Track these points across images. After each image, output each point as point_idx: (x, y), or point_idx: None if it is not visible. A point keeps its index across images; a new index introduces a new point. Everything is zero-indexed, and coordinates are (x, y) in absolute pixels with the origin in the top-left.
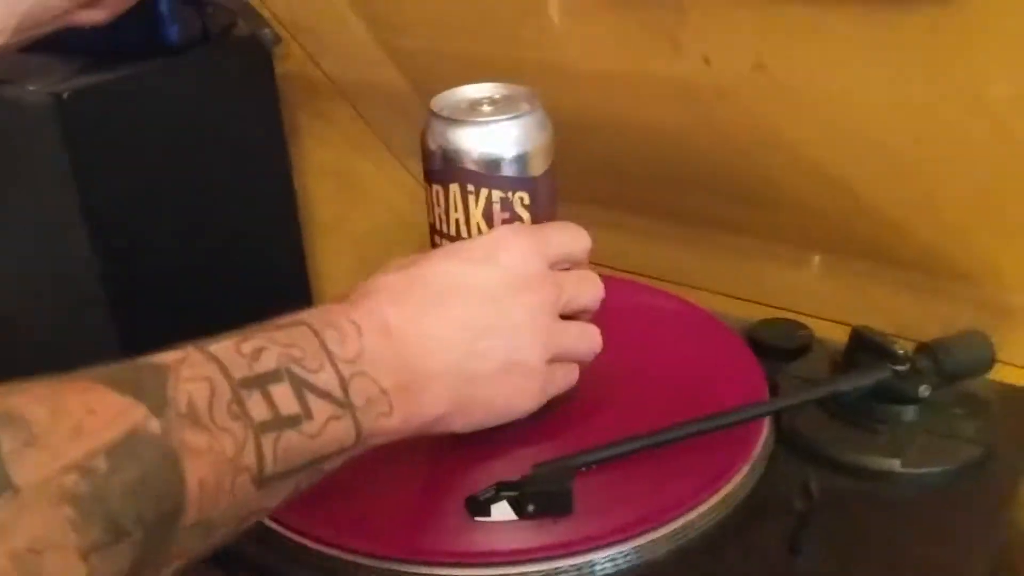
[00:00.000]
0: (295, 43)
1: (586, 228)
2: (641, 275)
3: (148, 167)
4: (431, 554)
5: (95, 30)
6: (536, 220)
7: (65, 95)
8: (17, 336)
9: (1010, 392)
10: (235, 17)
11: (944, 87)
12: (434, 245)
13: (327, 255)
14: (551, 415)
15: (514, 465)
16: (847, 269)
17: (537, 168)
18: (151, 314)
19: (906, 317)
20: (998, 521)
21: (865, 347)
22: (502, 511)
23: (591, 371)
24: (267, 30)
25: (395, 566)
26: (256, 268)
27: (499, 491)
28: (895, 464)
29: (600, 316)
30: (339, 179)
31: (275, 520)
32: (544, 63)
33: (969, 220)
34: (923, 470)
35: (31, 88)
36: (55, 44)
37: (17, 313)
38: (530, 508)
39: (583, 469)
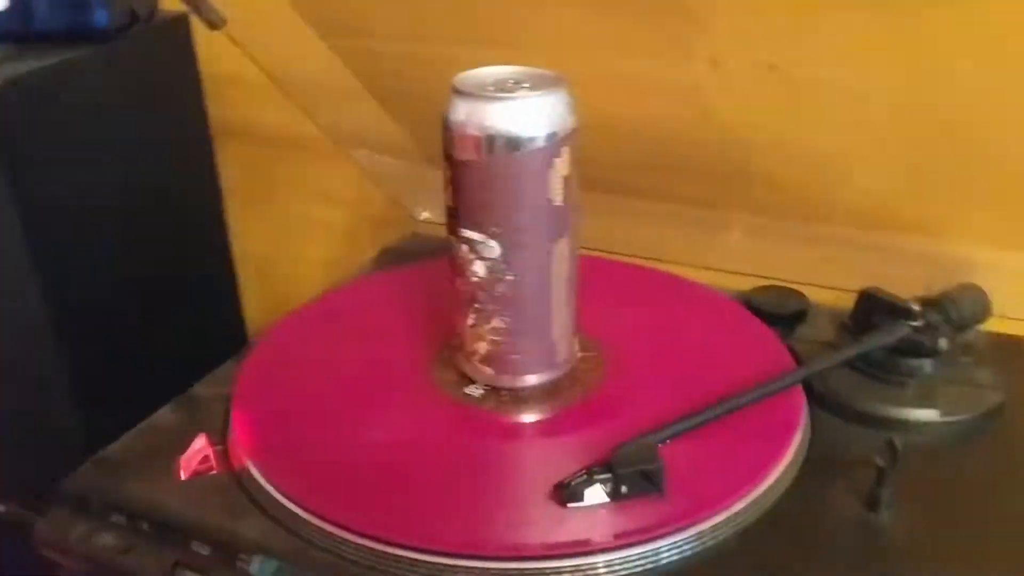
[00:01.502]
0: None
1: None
2: (636, 257)
3: (80, 163)
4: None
5: (17, 17)
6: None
7: None
8: None
9: (995, 339)
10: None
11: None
12: (452, 228)
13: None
14: (583, 402)
15: (571, 453)
16: (831, 237)
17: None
18: (88, 306)
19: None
20: None
21: (876, 307)
22: (595, 495)
23: (616, 356)
24: (213, 12)
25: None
26: (184, 257)
27: (591, 475)
28: (933, 415)
29: (612, 301)
30: (264, 172)
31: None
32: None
33: (946, 192)
34: (958, 418)
35: None
36: None
37: None
38: (623, 490)
39: (665, 443)
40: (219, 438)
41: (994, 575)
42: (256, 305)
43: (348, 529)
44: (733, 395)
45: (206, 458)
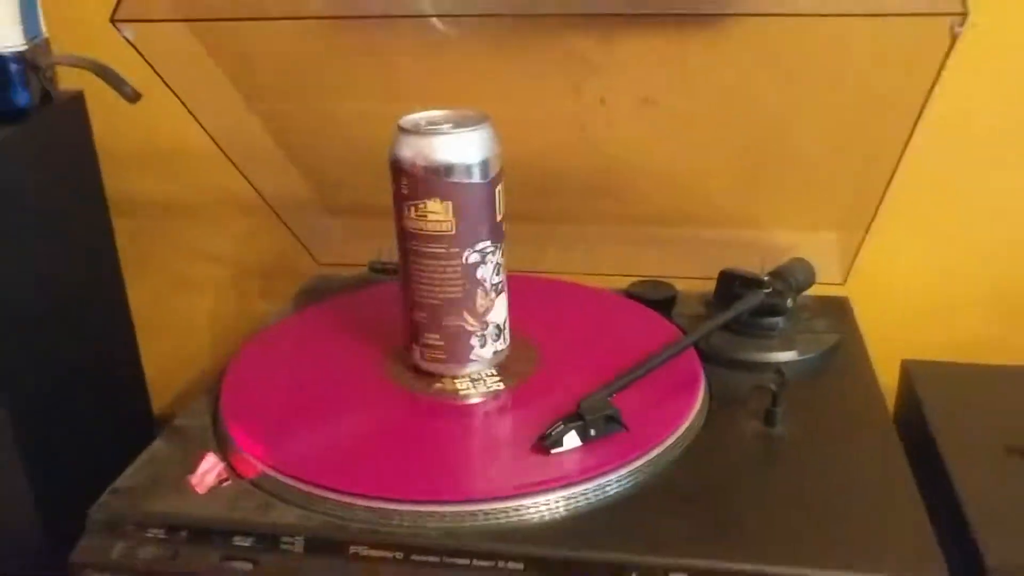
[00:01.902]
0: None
1: None
2: (537, 272)
3: None
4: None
5: None
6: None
7: None
8: None
9: (818, 299)
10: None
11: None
12: (404, 251)
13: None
14: (526, 383)
15: (521, 424)
16: (685, 237)
17: (493, 172)
18: None
19: (727, 264)
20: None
21: (734, 283)
22: (571, 440)
23: (540, 350)
24: (127, 87)
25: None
26: (85, 325)
27: (566, 424)
28: (794, 355)
29: (525, 308)
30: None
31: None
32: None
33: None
34: (810, 355)
35: None
36: None
37: None
38: (592, 432)
39: (613, 396)
40: (220, 455)
41: (860, 457)
42: (156, 364)
43: (366, 496)
44: (651, 357)
45: (221, 471)
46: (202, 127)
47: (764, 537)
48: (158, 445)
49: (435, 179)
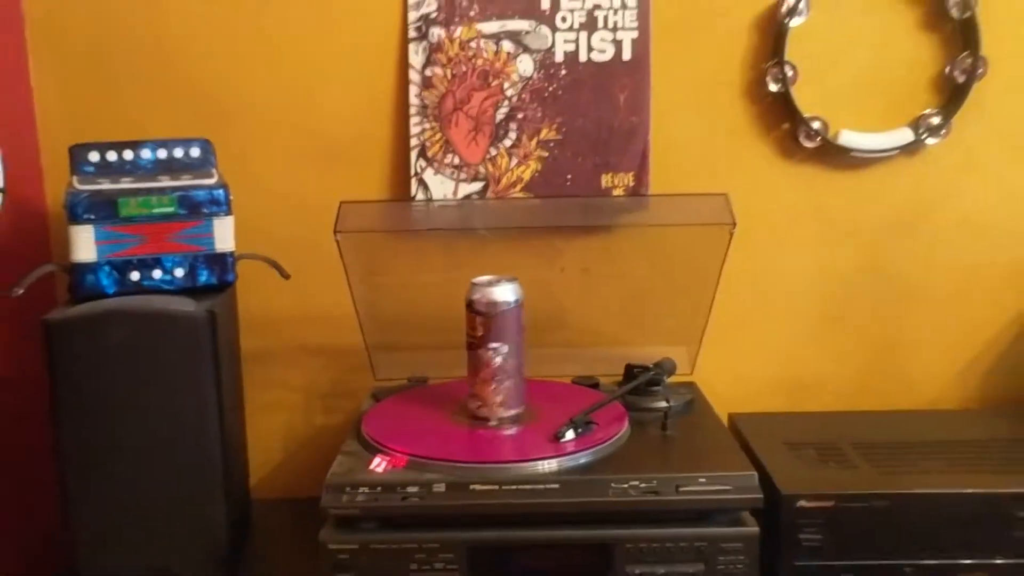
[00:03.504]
0: None
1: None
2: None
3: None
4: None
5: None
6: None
7: None
8: None
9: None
10: None
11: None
12: (475, 351)
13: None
14: (534, 423)
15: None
16: (589, 356)
17: (520, 305)
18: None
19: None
20: (710, 408)
21: (634, 370)
22: (569, 435)
23: (538, 410)
24: (284, 270)
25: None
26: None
27: (566, 428)
28: (665, 404)
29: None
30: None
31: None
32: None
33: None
34: (678, 403)
35: None
36: None
37: None
38: (579, 431)
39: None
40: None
41: (705, 439)
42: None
43: (466, 462)
44: (599, 402)
45: (391, 461)
46: (352, 296)
47: (662, 467)
48: (341, 460)
49: (488, 310)
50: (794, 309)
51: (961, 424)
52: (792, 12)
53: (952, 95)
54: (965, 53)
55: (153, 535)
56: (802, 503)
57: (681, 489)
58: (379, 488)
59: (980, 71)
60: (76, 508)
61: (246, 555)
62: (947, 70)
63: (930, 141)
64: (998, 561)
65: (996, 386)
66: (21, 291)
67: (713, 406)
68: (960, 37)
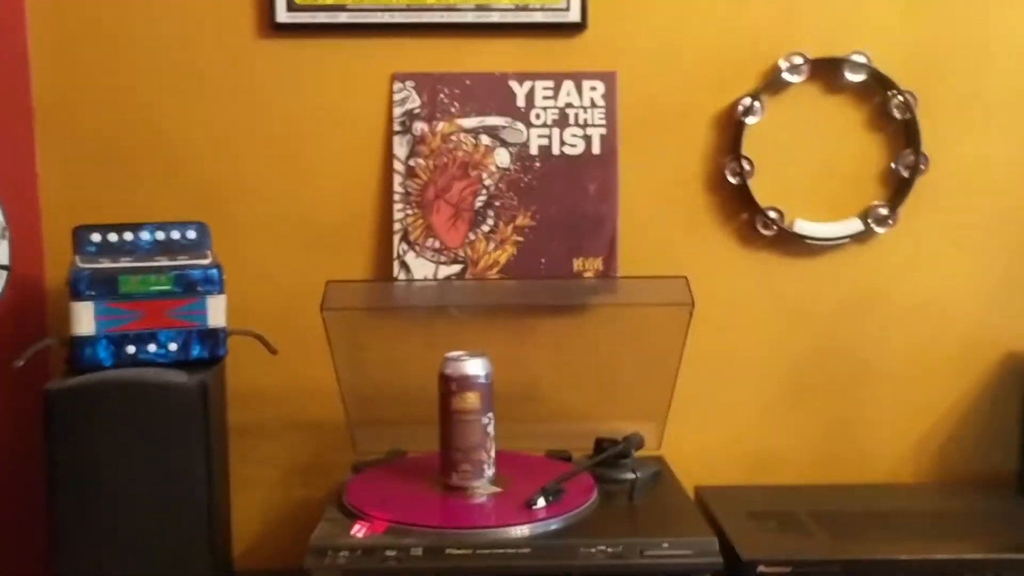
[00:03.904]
0: None
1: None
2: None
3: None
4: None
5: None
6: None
7: None
8: None
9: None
10: None
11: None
12: (448, 422)
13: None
14: (508, 491)
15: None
16: (562, 432)
17: (490, 379)
18: None
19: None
20: (676, 480)
21: (604, 443)
22: (541, 502)
23: (512, 478)
24: (272, 346)
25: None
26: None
27: (538, 496)
28: (632, 475)
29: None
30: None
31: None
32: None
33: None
34: (645, 474)
35: None
36: None
37: None
38: (550, 499)
39: (562, 484)
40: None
41: (671, 507)
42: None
43: (442, 527)
44: (569, 472)
45: (371, 527)
46: (336, 372)
47: (628, 532)
48: (324, 526)
49: (470, 382)
50: (755, 387)
51: (913, 496)
52: (748, 111)
53: (898, 188)
54: (908, 150)
55: None
56: (762, 568)
57: (645, 553)
58: (360, 551)
59: (922, 167)
60: (68, 568)
61: None
62: (892, 165)
63: (879, 230)
64: None
65: (947, 460)
66: (22, 363)
67: (679, 478)
68: (903, 136)
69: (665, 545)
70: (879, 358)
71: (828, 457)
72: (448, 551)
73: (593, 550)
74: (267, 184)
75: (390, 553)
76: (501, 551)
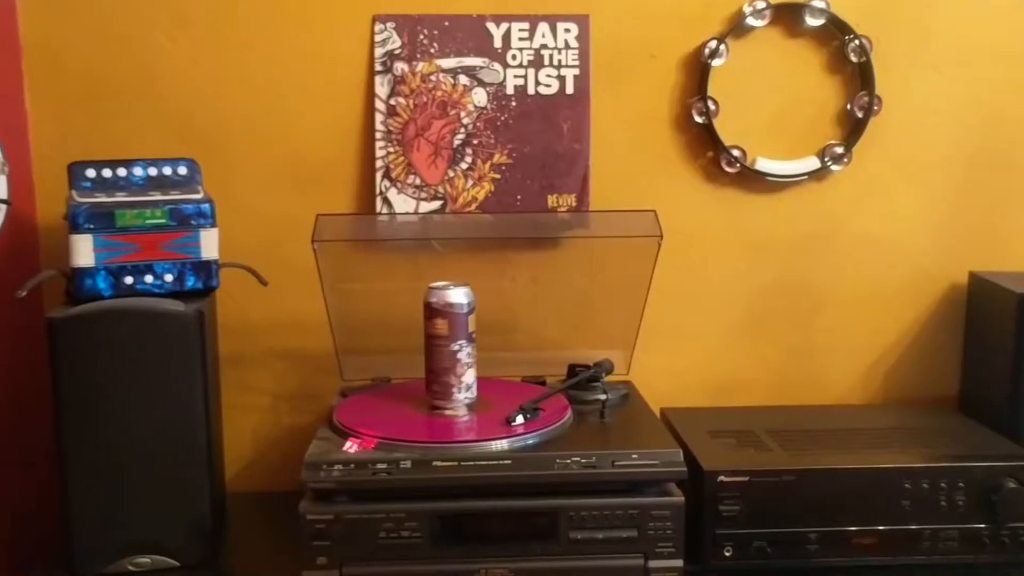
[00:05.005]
0: None
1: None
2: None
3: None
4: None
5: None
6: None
7: None
8: None
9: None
10: None
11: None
12: (429, 346)
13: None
14: (491, 409)
15: (464, 428)
16: (537, 359)
17: (470, 309)
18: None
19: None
20: (644, 402)
21: (576, 368)
22: (519, 419)
23: (493, 401)
24: (263, 278)
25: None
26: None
27: (516, 414)
28: (601, 396)
29: (482, 389)
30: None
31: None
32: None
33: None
34: (615, 396)
35: None
36: None
37: None
38: (528, 417)
39: (539, 404)
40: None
41: (639, 425)
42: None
43: (429, 443)
44: (545, 393)
45: (361, 444)
46: (325, 302)
47: (600, 446)
48: (317, 443)
49: (443, 310)
50: (718, 316)
51: (863, 416)
52: (714, 54)
53: (853, 128)
54: (863, 92)
55: (143, 512)
56: (722, 478)
57: (616, 463)
58: (352, 465)
59: (876, 108)
60: (73, 486)
61: (225, 537)
62: (848, 107)
63: (835, 168)
64: (882, 528)
65: (895, 383)
66: (24, 293)
67: (646, 401)
68: (858, 79)
69: (634, 456)
70: (833, 289)
71: (786, 381)
72: (435, 463)
73: (568, 460)
74: (252, 122)
75: (381, 466)
76: (484, 463)
